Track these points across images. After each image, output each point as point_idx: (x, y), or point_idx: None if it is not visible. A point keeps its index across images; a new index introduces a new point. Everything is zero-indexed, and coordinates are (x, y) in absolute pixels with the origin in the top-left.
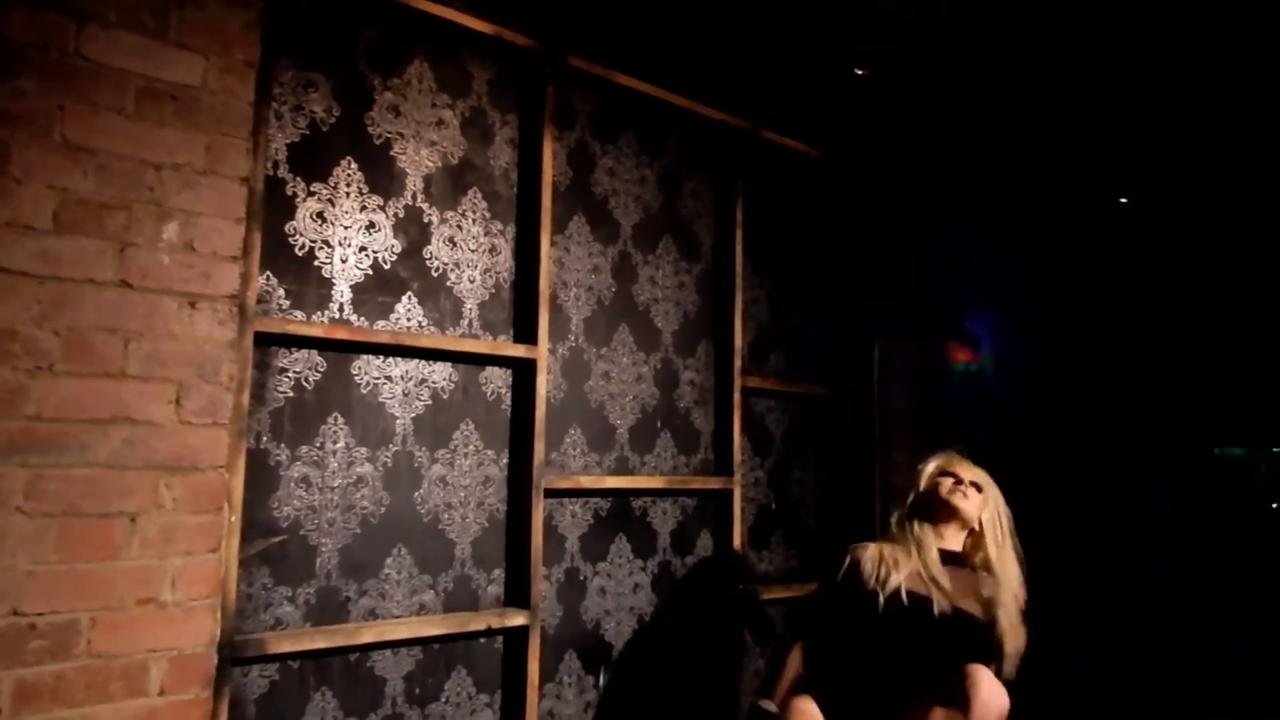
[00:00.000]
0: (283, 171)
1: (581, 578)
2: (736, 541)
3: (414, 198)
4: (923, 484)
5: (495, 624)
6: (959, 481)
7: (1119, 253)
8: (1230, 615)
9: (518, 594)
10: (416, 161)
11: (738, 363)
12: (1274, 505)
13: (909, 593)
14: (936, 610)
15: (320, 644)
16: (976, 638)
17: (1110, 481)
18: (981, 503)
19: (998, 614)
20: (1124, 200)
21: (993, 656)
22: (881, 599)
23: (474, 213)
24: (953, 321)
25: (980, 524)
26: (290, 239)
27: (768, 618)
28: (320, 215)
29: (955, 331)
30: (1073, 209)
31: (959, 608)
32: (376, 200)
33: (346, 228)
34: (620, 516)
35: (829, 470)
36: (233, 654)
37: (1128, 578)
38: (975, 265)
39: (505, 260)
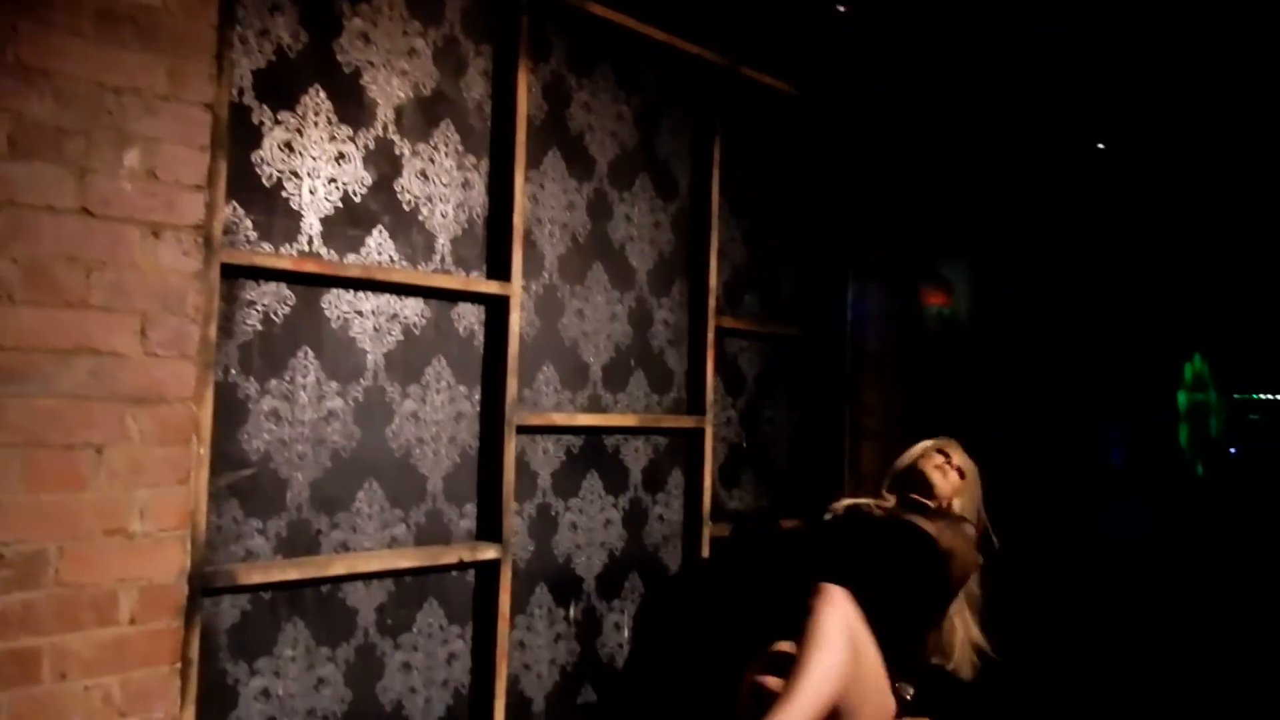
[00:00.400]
0: (248, 99)
1: (553, 513)
2: (708, 480)
3: (385, 129)
4: (912, 455)
5: (467, 557)
6: (947, 459)
7: (1089, 198)
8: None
9: (489, 528)
10: (387, 92)
11: (712, 303)
12: (1231, 450)
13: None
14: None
15: (292, 575)
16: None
17: (1076, 426)
18: (960, 487)
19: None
20: (1101, 146)
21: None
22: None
23: (446, 146)
24: (926, 264)
25: (950, 506)
26: (257, 169)
27: None
28: (288, 145)
29: (929, 274)
30: (1049, 156)
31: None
32: (346, 131)
33: (315, 158)
34: (592, 454)
35: (800, 410)
36: (203, 584)
37: (1089, 522)
38: (951, 208)
39: (479, 195)
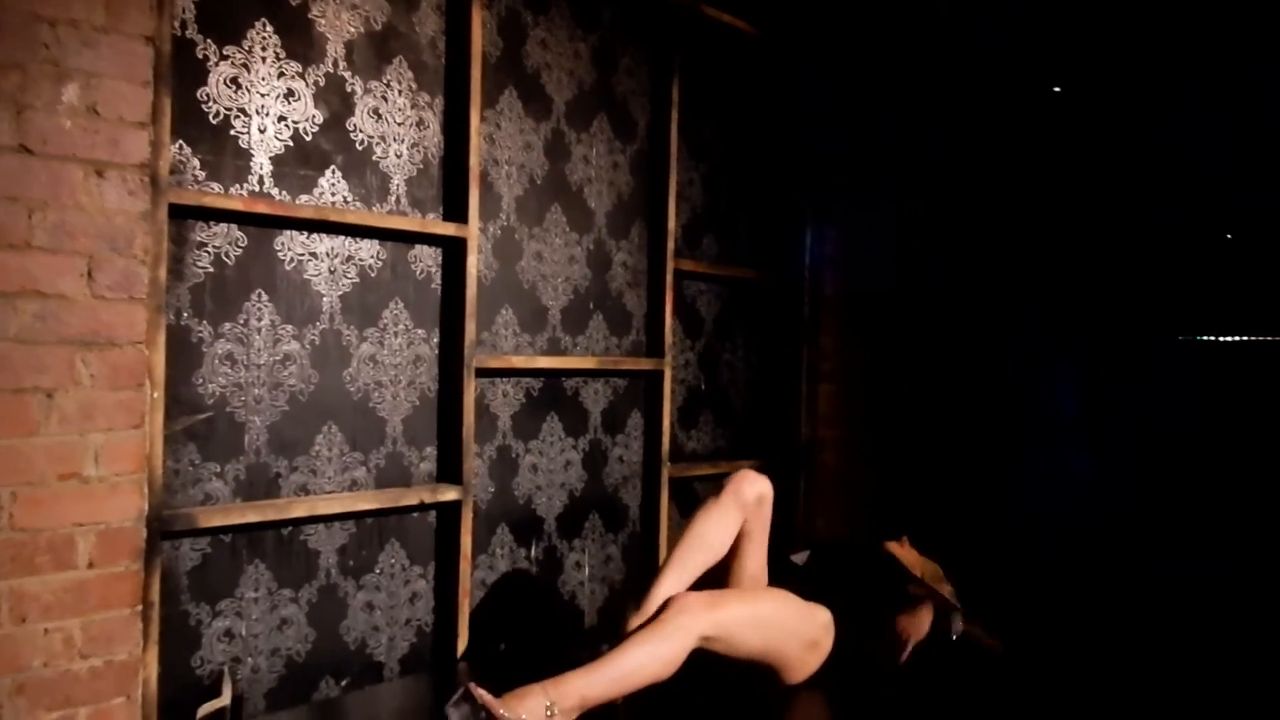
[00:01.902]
0: (191, 32)
1: (513, 455)
2: (666, 421)
3: (335, 65)
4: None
5: (428, 499)
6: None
7: (1051, 141)
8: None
9: (450, 470)
10: (337, 26)
11: (670, 245)
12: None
13: None
14: None
15: (251, 518)
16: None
17: (1028, 374)
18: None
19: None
20: (1058, 90)
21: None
22: None
23: (400, 84)
24: (885, 207)
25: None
26: (203, 106)
27: (695, 494)
28: (234, 81)
29: (886, 217)
30: (1007, 97)
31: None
32: (295, 67)
33: (264, 95)
34: (552, 396)
35: (758, 353)
36: (162, 528)
37: (1040, 471)
38: (909, 152)
39: (434, 135)
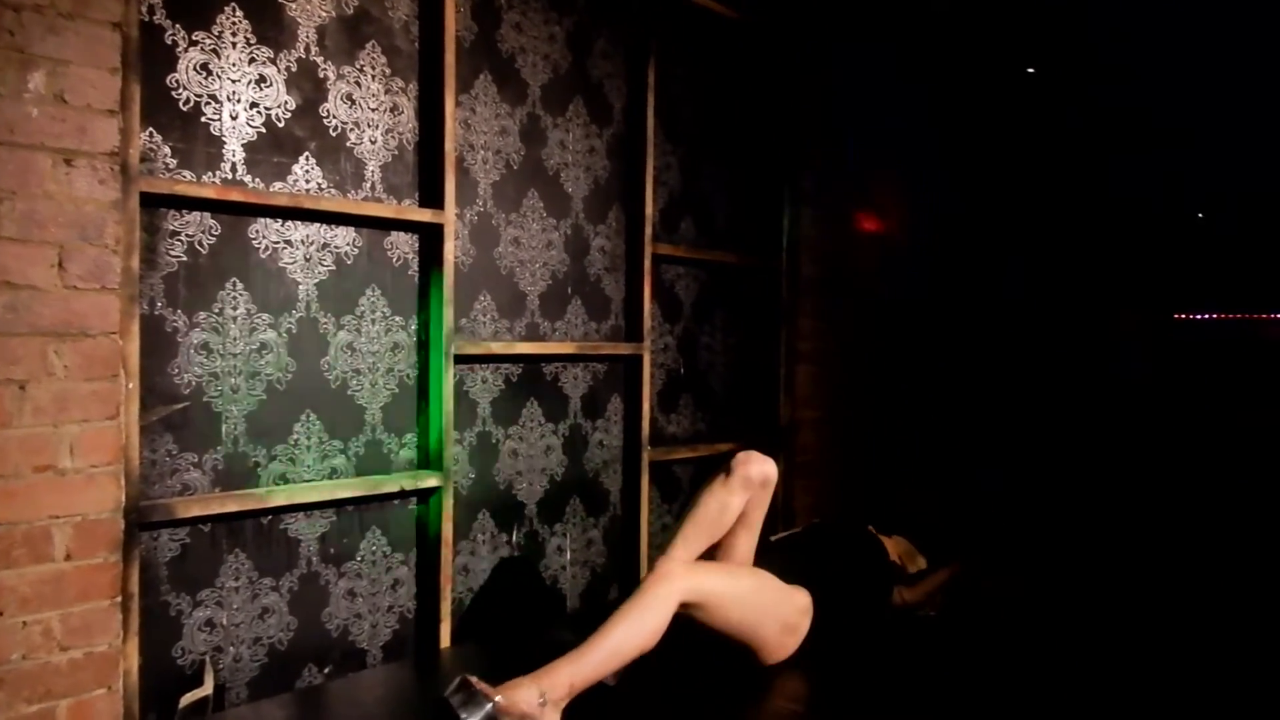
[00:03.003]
0: (160, 18)
1: (493, 441)
2: (646, 406)
3: (307, 50)
4: None
5: (408, 486)
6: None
7: (1027, 122)
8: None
9: (430, 457)
10: (308, 10)
11: (648, 230)
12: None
13: None
14: None
15: (231, 508)
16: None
17: (1007, 350)
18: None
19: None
20: (1031, 70)
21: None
22: None
23: (373, 69)
24: (861, 190)
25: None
26: (174, 93)
27: (675, 477)
28: (205, 67)
29: (863, 200)
30: (983, 78)
31: None
32: (266, 52)
33: (235, 81)
34: (531, 382)
35: (737, 336)
36: (140, 519)
37: (1021, 425)
38: (886, 134)
39: (408, 120)
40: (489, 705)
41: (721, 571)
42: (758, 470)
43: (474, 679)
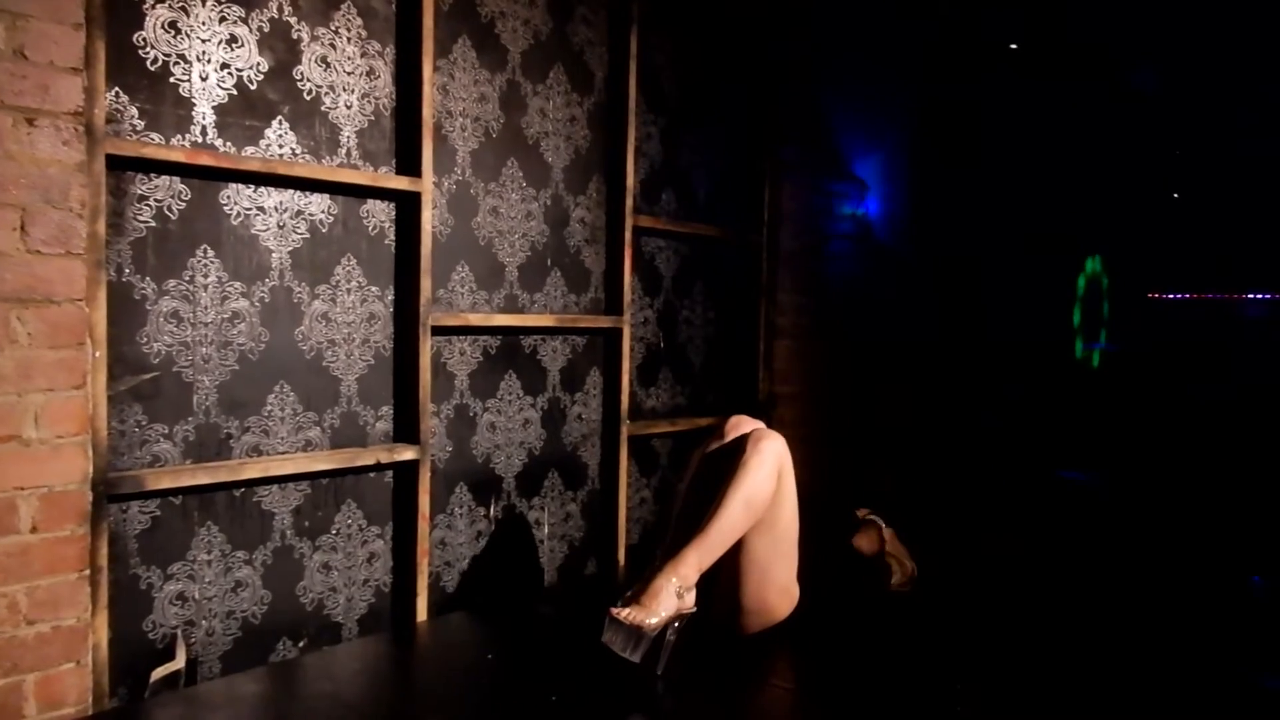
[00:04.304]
0: None
1: (471, 414)
2: (625, 379)
3: (280, 10)
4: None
5: (384, 459)
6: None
7: (1007, 98)
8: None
9: (407, 430)
10: None
11: (629, 201)
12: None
13: None
14: None
15: (202, 480)
16: None
17: (980, 319)
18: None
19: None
20: (1014, 46)
21: None
22: None
23: (348, 31)
24: (841, 164)
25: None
26: (141, 51)
27: (653, 451)
28: (173, 25)
29: (843, 174)
30: (964, 54)
31: None
32: (237, 11)
33: (204, 41)
34: (510, 354)
35: (716, 310)
36: (108, 490)
37: (992, 398)
38: (866, 108)
39: (385, 85)
40: (642, 637)
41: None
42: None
43: (619, 611)
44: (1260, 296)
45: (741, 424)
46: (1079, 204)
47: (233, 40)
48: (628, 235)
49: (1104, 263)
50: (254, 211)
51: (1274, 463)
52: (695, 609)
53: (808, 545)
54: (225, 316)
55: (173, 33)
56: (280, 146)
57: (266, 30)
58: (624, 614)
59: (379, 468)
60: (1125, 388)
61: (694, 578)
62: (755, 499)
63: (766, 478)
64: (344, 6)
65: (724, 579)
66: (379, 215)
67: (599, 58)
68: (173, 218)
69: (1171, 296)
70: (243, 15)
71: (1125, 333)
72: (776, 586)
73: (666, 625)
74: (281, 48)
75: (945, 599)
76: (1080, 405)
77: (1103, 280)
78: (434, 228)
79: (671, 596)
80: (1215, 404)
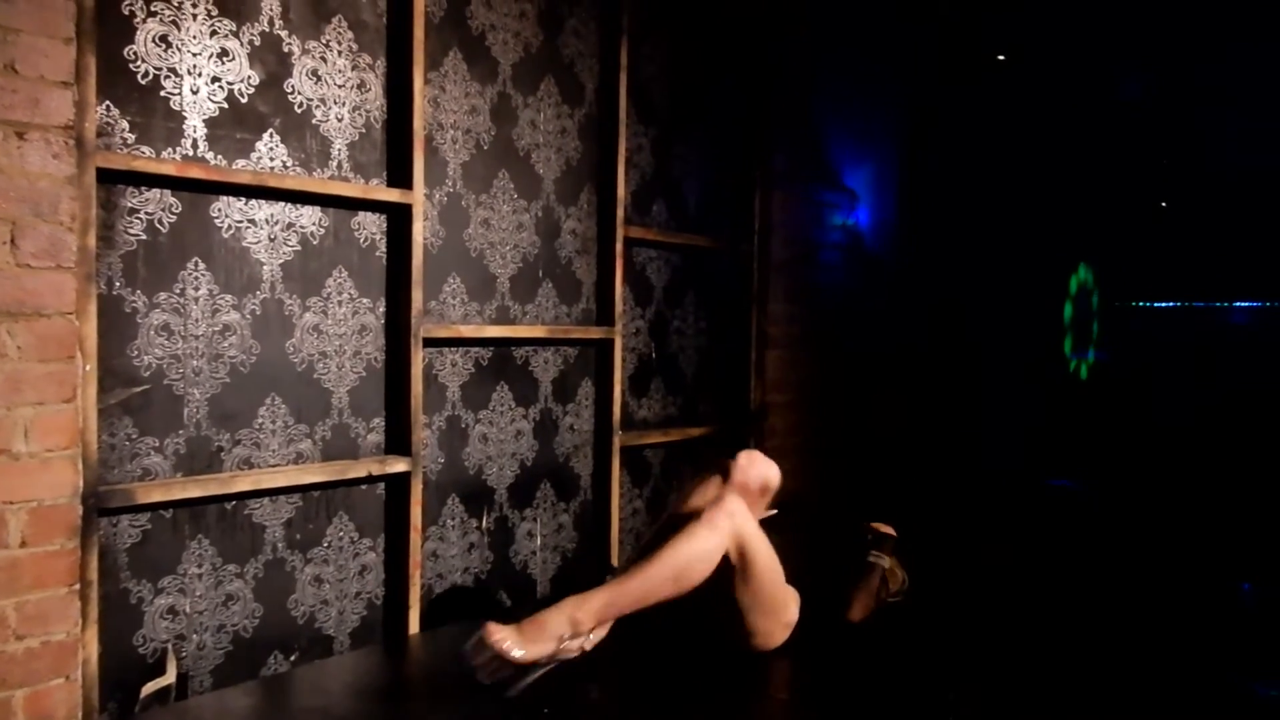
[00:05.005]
0: None
1: (463, 425)
2: (617, 390)
3: (270, 24)
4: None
5: (376, 471)
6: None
7: (993, 108)
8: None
9: (398, 442)
10: None
11: (620, 212)
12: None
13: None
14: None
15: (193, 493)
16: None
17: (970, 329)
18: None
19: None
20: (1001, 58)
21: None
22: None
23: (339, 44)
24: (832, 174)
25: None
26: (131, 65)
27: (646, 462)
28: (164, 39)
29: (834, 184)
30: (954, 64)
31: None
32: (228, 25)
33: (195, 55)
34: (502, 365)
35: (708, 320)
36: (98, 504)
37: (982, 407)
38: (855, 118)
39: (376, 97)
40: (502, 665)
41: (763, 535)
42: (758, 474)
43: (493, 631)
44: (1246, 305)
45: (750, 466)
46: (1068, 212)
47: (224, 54)
48: (619, 246)
49: (1092, 271)
50: (245, 224)
51: (1262, 468)
52: (578, 655)
53: (813, 558)
54: (216, 329)
55: (164, 46)
56: (271, 159)
57: (257, 44)
58: (496, 636)
59: (371, 480)
60: (1113, 396)
61: (589, 625)
62: (687, 574)
63: (707, 553)
64: (335, 19)
65: (709, 624)
66: (370, 227)
67: (589, 69)
68: (163, 230)
69: (1160, 305)
70: (234, 29)
71: (1114, 342)
72: (761, 631)
73: (534, 664)
74: (272, 61)
75: (938, 607)
76: (1069, 414)
77: (1092, 290)
78: (425, 239)
79: (554, 638)
80: (1202, 411)
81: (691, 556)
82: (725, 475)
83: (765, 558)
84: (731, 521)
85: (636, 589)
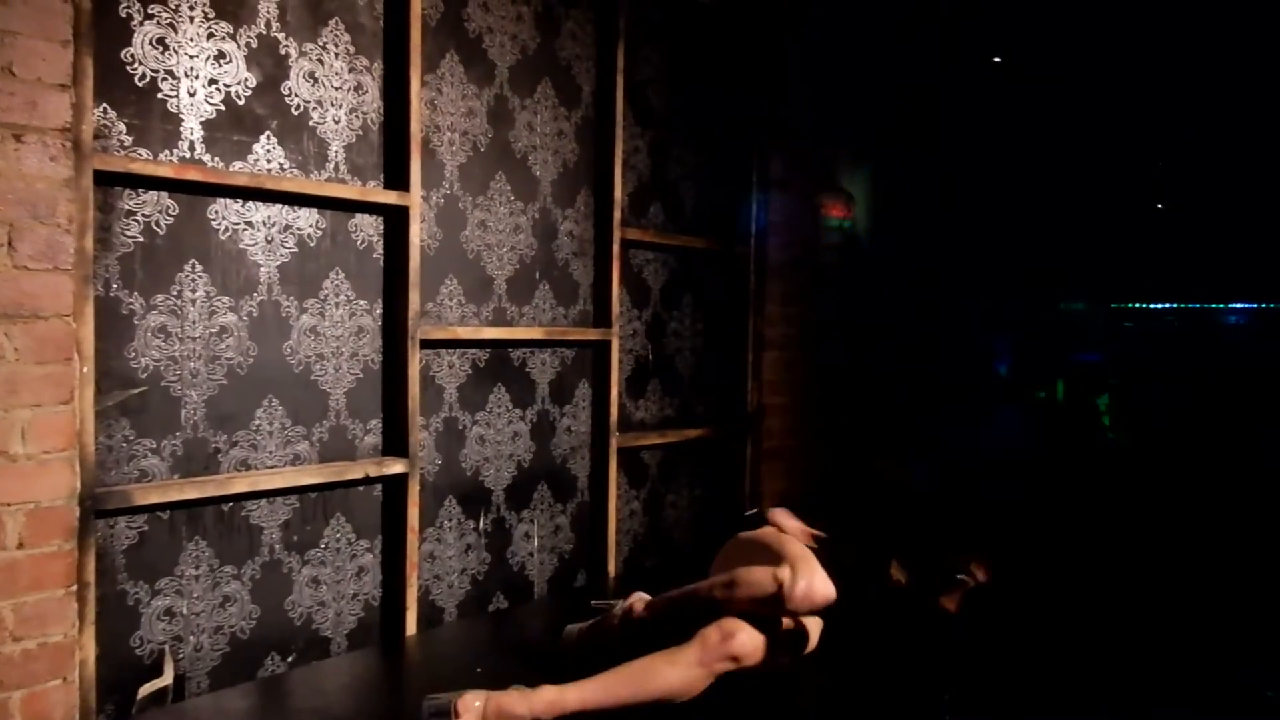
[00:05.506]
0: None
1: (460, 427)
2: (614, 391)
3: (268, 26)
4: None
5: (373, 472)
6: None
7: (990, 112)
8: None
9: (396, 443)
10: None
11: (617, 214)
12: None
13: None
14: None
15: (190, 495)
16: None
17: (962, 334)
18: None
19: None
20: (998, 60)
21: None
22: None
23: (336, 46)
24: (827, 176)
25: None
26: (129, 68)
27: (643, 463)
28: (161, 42)
29: (829, 186)
30: (950, 65)
31: None
32: (225, 27)
33: (193, 57)
34: (499, 367)
35: (705, 321)
36: (95, 506)
37: (970, 419)
38: (852, 120)
39: (373, 100)
40: None
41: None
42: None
43: (462, 706)
44: (1240, 306)
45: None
46: (1062, 215)
47: (221, 56)
48: (616, 248)
49: (1087, 275)
50: (242, 226)
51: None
52: None
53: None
54: (213, 331)
55: (161, 49)
56: (268, 161)
57: (254, 46)
58: (463, 715)
59: (368, 481)
60: (1110, 395)
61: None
62: (665, 698)
63: (687, 681)
64: (332, 22)
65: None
66: (367, 229)
67: (586, 72)
68: (160, 233)
69: (1154, 306)
70: (231, 31)
71: (1108, 342)
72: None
73: None
74: (269, 63)
75: (938, 607)
76: (1065, 413)
77: (1087, 294)
78: (422, 241)
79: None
80: (1200, 410)
81: (669, 685)
82: (703, 646)
83: (759, 658)
84: (725, 664)
85: (610, 701)
